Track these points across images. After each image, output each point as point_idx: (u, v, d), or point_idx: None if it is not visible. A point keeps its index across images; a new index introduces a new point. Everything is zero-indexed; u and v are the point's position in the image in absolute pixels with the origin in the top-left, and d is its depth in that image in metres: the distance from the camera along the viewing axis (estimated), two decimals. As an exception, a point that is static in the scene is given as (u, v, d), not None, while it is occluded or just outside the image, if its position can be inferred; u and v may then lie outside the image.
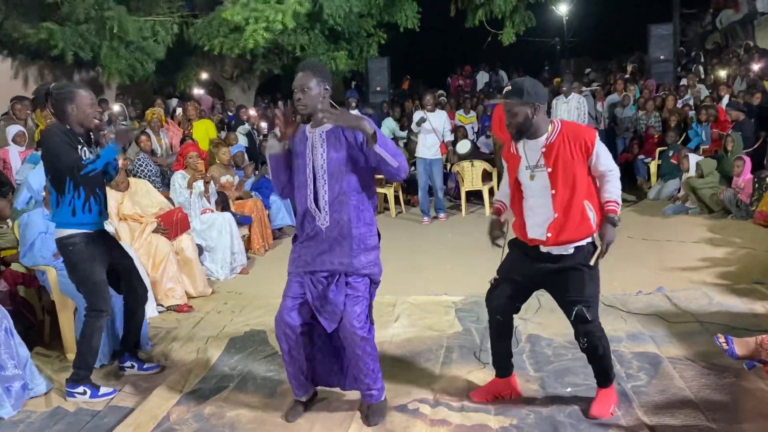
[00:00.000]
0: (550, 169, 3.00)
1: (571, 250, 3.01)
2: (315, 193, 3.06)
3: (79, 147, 3.52)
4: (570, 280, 3.03)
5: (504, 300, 3.23)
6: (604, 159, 2.99)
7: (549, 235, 3.01)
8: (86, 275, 3.59)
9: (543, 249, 3.06)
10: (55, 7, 8.98)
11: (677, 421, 3.03)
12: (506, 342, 3.33)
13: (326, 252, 3.06)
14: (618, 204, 2.99)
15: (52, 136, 3.45)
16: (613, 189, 3.00)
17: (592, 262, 2.99)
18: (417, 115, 8.43)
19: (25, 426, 3.37)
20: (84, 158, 3.46)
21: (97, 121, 3.61)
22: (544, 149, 3.02)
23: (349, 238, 3.04)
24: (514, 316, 3.30)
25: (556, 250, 3.03)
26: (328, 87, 3.06)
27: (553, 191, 3.01)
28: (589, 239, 3.02)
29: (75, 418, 3.44)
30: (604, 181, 3.02)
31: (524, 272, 3.17)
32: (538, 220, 3.06)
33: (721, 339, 3.17)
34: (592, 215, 2.99)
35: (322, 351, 3.29)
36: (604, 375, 3.16)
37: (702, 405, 3.14)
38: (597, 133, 3.06)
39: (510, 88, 3.10)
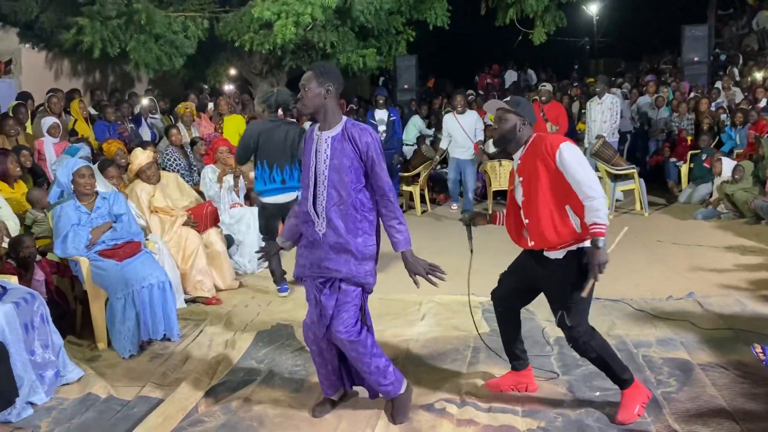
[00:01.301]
0: (521, 179, 3.11)
1: (561, 255, 3.03)
2: (315, 197, 3.06)
3: None
4: (555, 284, 3.08)
5: (505, 292, 3.40)
6: (577, 173, 2.88)
7: (532, 243, 3.10)
8: None
9: (545, 253, 3.10)
10: (87, 3, 9.11)
11: (709, 430, 2.98)
12: (512, 334, 3.43)
13: (323, 259, 3.07)
14: (599, 225, 2.84)
15: None
16: (593, 212, 2.85)
17: (584, 294, 2.95)
18: (446, 119, 8.39)
19: (58, 412, 3.44)
20: None
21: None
22: (519, 161, 3.14)
23: (345, 247, 3.03)
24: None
25: (551, 254, 3.07)
26: (331, 88, 2.99)
27: (523, 198, 3.11)
28: (582, 244, 2.98)
29: (105, 405, 3.49)
30: (584, 204, 2.89)
31: (526, 271, 3.27)
32: (519, 228, 3.21)
33: (758, 349, 3.10)
34: (576, 220, 2.96)
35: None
36: (612, 377, 3.13)
37: (735, 414, 3.08)
38: (566, 142, 2.97)
39: (508, 99, 3.29)
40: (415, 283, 3.13)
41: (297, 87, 3.17)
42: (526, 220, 3.10)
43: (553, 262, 3.08)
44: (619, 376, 3.11)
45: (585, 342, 3.05)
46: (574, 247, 3.00)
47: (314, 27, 9.78)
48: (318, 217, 3.05)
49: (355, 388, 3.42)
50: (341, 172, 2.98)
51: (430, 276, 3.14)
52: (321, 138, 3.04)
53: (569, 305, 3.01)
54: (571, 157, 2.91)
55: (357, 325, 3.08)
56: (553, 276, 3.08)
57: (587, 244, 2.95)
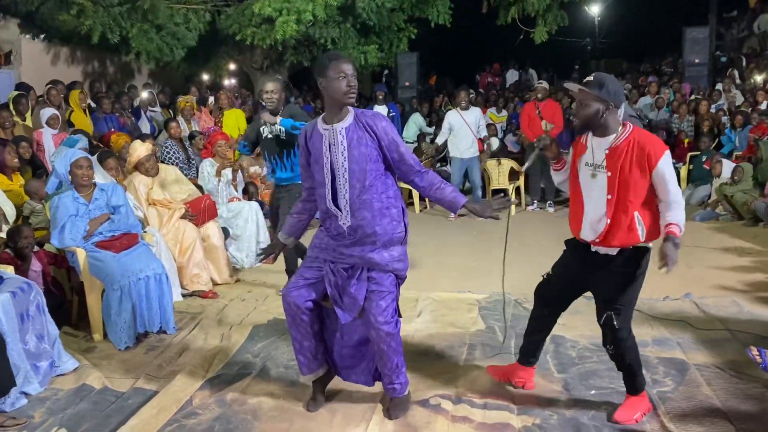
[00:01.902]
0: (609, 174, 2.93)
1: (615, 252, 2.97)
2: (334, 192, 2.97)
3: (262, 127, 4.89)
4: (606, 282, 3.00)
5: (554, 295, 3.27)
6: (670, 183, 2.86)
7: (598, 240, 2.99)
8: None
9: (592, 248, 3.05)
10: None
11: (703, 430, 2.98)
12: (542, 336, 3.39)
13: (350, 246, 3.02)
14: (680, 228, 2.85)
15: None
16: (676, 215, 2.86)
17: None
18: (450, 115, 8.37)
19: (52, 403, 3.43)
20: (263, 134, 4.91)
21: (269, 105, 4.82)
22: (608, 151, 2.94)
23: (373, 235, 2.97)
24: (527, 311, 3.31)
25: (602, 250, 3.01)
26: (320, 81, 2.93)
27: (609, 196, 2.94)
28: (642, 245, 2.94)
29: (100, 397, 3.49)
30: (666, 208, 2.89)
31: (574, 271, 3.16)
32: (592, 221, 3.01)
33: (754, 351, 3.10)
34: (641, 229, 2.89)
35: (346, 346, 3.27)
36: (630, 383, 3.11)
37: (730, 414, 3.08)
38: (668, 151, 2.90)
39: (591, 78, 2.96)
40: (494, 217, 3.15)
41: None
42: (608, 220, 2.93)
43: (603, 258, 3.00)
44: (635, 382, 3.09)
45: (627, 347, 3.00)
46: (629, 246, 2.94)
47: (316, 23, 9.77)
48: (341, 211, 2.98)
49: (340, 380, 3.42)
50: (361, 162, 2.91)
51: (501, 208, 3.10)
52: (333, 131, 2.94)
53: (619, 307, 2.95)
54: (669, 167, 2.88)
55: (395, 316, 3.04)
56: (603, 274, 3.01)
57: (645, 245, 2.94)
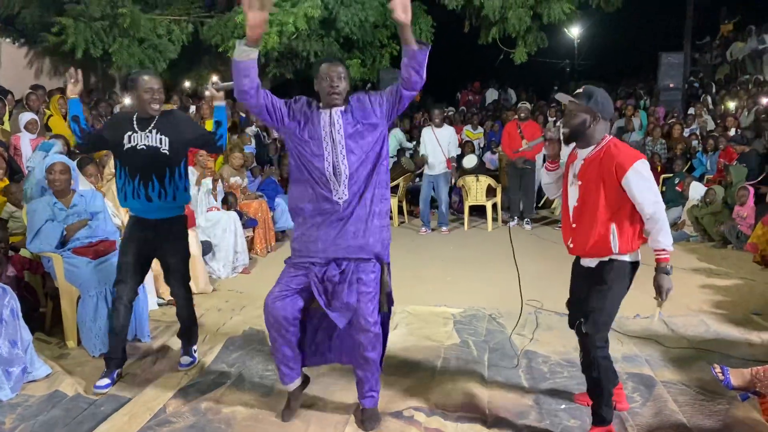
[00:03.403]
0: (580, 182, 3.01)
1: (594, 264, 3.03)
2: (333, 165, 3.04)
3: (128, 132, 3.59)
4: (583, 291, 3.09)
5: (574, 313, 3.28)
6: (638, 193, 2.84)
7: (571, 245, 3.09)
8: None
9: (581, 261, 3.13)
10: (70, 2, 9.08)
11: (669, 444, 3.06)
12: None
13: (341, 234, 3.04)
14: (667, 252, 2.88)
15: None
16: (660, 237, 2.87)
17: (656, 319, 2.98)
18: (424, 132, 8.51)
19: (23, 409, 3.40)
20: (127, 142, 3.58)
21: (155, 105, 3.60)
22: (583, 162, 3.01)
23: (367, 214, 3.07)
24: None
25: (585, 262, 3.09)
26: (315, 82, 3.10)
27: (576, 204, 3.04)
28: (619, 257, 2.96)
29: (72, 404, 3.47)
30: (648, 227, 2.89)
31: (573, 285, 3.26)
32: (566, 227, 3.14)
33: (717, 369, 3.19)
34: (615, 241, 2.92)
35: (320, 330, 3.31)
36: (597, 409, 3.07)
37: (694, 430, 3.17)
38: (641, 161, 2.86)
39: (581, 90, 3.03)
40: None
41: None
42: (574, 225, 3.05)
43: (585, 269, 3.09)
44: (602, 411, 3.04)
45: (596, 357, 2.98)
46: (606, 258, 2.99)
47: (299, 36, 9.85)
48: (339, 184, 3.04)
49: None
50: (357, 137, 3.05)
51: None
52: (329, 113, 3.06)
53: (588, 312, 2.99)
54: (638, 178, 2.84)
55: (379, 314, 3.13)
56: (584, 285, 3.09)
57: (622, 257, 2.96)
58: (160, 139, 3.60)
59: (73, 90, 3.74)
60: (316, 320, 3.30)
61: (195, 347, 4.09)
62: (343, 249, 3.06)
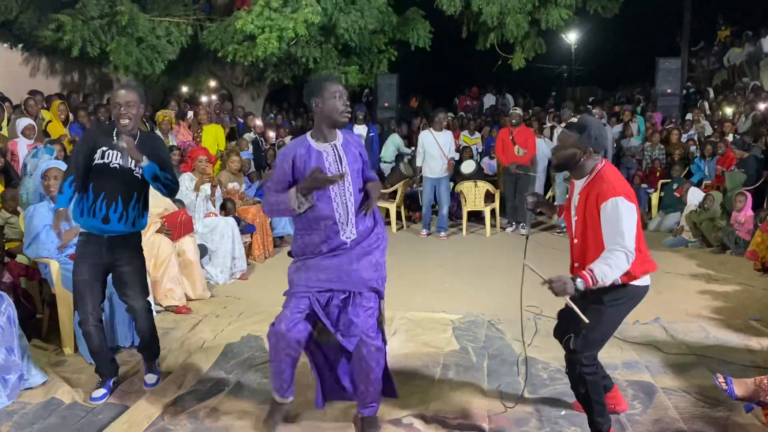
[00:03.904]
0: (576, 218, 2.97)
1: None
2: (342, 206, 3.01)
3: (104, 147, 3.41)
4: (579, 307, 3.01)
5: (563, 334, 3.19)
6: (605, 225, 2.77)
7: (576, 264, 3.05)
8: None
9: None
10: (70, 3, 9.07)
11: (670, 452, 3.04)
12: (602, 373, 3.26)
13: (352, 267, 3.01)
14: (593, 275, 2.71)
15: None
16: (601, 263, 2.73)
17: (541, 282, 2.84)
18: (423, 135, 8.54)
19: (20, 417, 3.37)
20: (99, 157, 3.41)
21: (123, 122, 3.40)
22: (578, 196, 2.97)
23: (376, 249, 3.08)
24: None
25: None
26: (314, 102, 3.01)
27: (576, 240, 3.00)
28: (630, 282, 2.91)
29: (69, 411, 3.44)
30: (603, 254, 2.77)
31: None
32: (571, 261, 3.11)
33: (721, 379, 3.17)
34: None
35: (330, 365, 3.28)
36: (591, 422, 3.02)
37: (695, 437, 3.16)
38: (622, 199, 2.77)
39: (576, 121, 3.01)
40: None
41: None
42: (576, 264, 3.00)
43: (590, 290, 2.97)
44: (597, 423, 3.00)
45: (582, 374, 2.94)
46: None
47: (298, 42, 9.86)
48: (347, 224, 3.02)
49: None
50: (356, 176, 3.06)
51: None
52: (335, 148, 3.03)
53: (577, 329, 2.93)
54: (614, 213, 2.76)
55: (379, 332, 3.10)
56: (582, 298, 2.97)
57: (623, 280, 2.88)
58: (136, 162, 3.44)
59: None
60: (332, 356, 3.26)
61: (158, 361, 3.87)
62: (347, 282, 3.02)
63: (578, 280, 2.73)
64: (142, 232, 4.93)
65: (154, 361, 3.84)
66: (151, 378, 3.78)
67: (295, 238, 3.18)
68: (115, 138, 3.43)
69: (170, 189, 3.53)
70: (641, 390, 3.70)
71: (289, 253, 3.22)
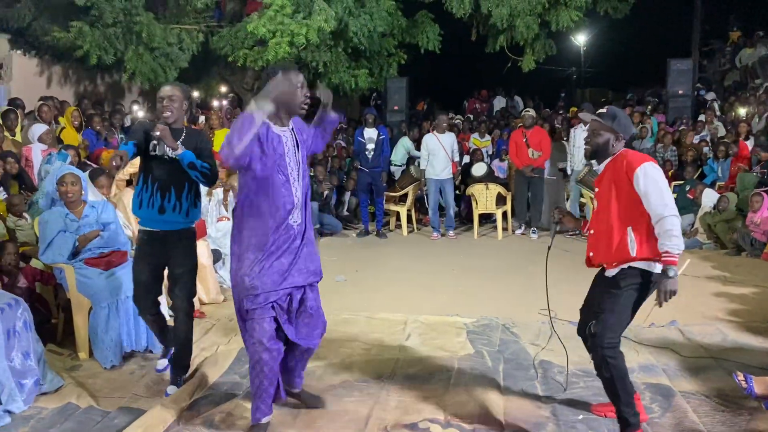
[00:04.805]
0: (596, 189, 3.15)
1: (614, 273, 3.05)
2: (298, 189, 3.10)
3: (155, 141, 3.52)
4: (597, 296, 3.13)
5: (583, 327, 3.26)
6: (651, 195, 2.89)
7: (591, 253, 3.13)
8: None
9: (605, 272, 3.13)
10: (83, 10, 9.14)
11: (690, 456, 3.00)
12: None
13: (300, 259, 3.07)
14: (671, 255, 2.85)
15: None
16: (666, 240, 2.86)
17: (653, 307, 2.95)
18: (427, 138, 8.55)
19: (36, 422, 3.38)
20: (152, 149, 3.54)
21: (165, 115, 3.56)
22: (601, 171, 3.17)
23: (311, 236, 3.20)
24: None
25: (608, 273, 3.09)
26: None
27: (593, 209, 3.13)
28: (637, 264, 2.97)
29: (85, 416, 3.44)
30: (656, 230, 2.91)
31: (590, 296, 3.27)
32: (589, 237, 3.23)
33: (740, 377, 3.15)
34: (633, 245, 2.96)
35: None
36: (619, 413, 3.03)
37: (716, 441, 3.12)
38: (650, 163, 2.96)
39: (605, 110, 3.20)
40: None
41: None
42: (591, 231, 3.17)
43: (605, 279, 3.11)
44: (624, 413, 3.01)
45: (604, 356, 2.98)
46: (626, 266, 3.00)
47: (308, 47, 9.87)
48: (297, 209, 3.09)
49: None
50: (305, 161, 3.16)
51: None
52: (292, 133, 3.12)
53: (597, 312, 3.04)
54: (647, 179, 2.91)
55: None
56: (599, 290, 3.14)
57: (640, 265, 2.97)
58: (172, 150, 3.53)
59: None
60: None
61: (184, 377, 3.83)
62: (301, 275, 3.09)
63: (669, 269, 2.83)
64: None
65: (182, 376, 3.83)
66: (172, 389, 3.76)
67: (240, 226, 3.06)
68: (156, 129, 3.53)
69: (208, 177, 3.58)
70: (659, 393, 3.66)
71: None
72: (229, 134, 2.81)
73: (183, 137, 3.56)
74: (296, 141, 3.13)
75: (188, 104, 3.67)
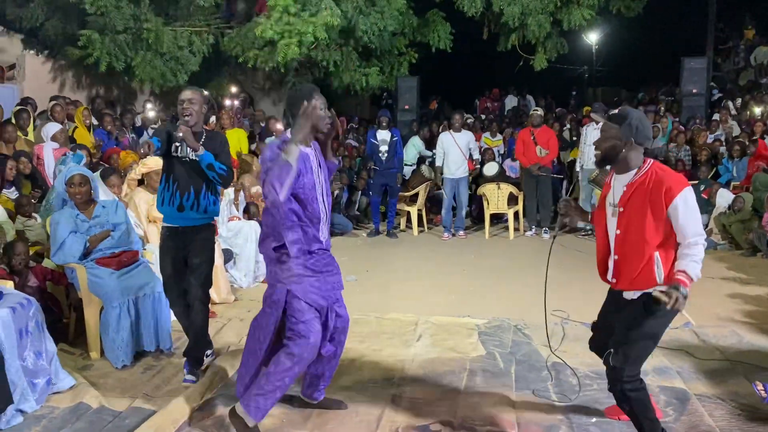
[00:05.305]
0: (621, 209, 2.89)
1: (636, 296, 2.88)
2: (325, 205, 3.19)
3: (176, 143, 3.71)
4: (617, 320, 2.95)
5: (600, 346, 3.14)
6: (683, 219, 2.72)
7: (614, 280, 2.96)
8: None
9: (624, 294, 2.95)
10: (94, 16, 9.19)
11: (707, 461, 2.96)
12: None
13: (334, 274, 3.23)
14: (688, 277, 2.68)
15: None
16: (690, 262, 2.70)
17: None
18: (443, 136, 8.52)
19: (48, 421, 3.39)
20: (174, 150, 3.74)
21: (185, 118, 3.72)
22: (625, 188, 2.89)
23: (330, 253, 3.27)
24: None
25: (627, 295, 2.93)
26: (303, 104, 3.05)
27: (618, 231, 2.90)
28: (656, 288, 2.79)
29: (96, 416, 3.45)
30: (682, 251, 2.75)
31: (609, 318, 3.07)
32: (604, 259, 3.02)
33: (760, 386, 3.09)
34: (659, 271, 2.79)
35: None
36: None
37: (733, 446, 3.07)
38: (689, 189, 2.77)
39: (617, 112, 2.95)
40: None
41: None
42: (615, 256, 2.93)
43: (627, 302, 2.93)
44: None
45: (624, 390, 2.84)
46: (649, 290, 2.81)
47: (318, 46, 9.87)
48: (324, 224, 3.20)
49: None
50: (327, 180, 3.26)
51: None
52: (312, 153, 3.14)
53: (618, 344, 2.85)
54: (686, 205, 2.73)
55: None
56: (622, 316, 2.93)
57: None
58: (193, 150, 3.75)
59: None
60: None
61: (200, 370, 3.96)
62: (337, 289, 3.26)
63: (681, 287, 2.65)
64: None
65: (198, 367, 3.96)
66: (190, 378, 3.92)
67: (294, 230, 3.07)
68: (179, 130, 3.71)
69: (224, 179, 3.85)
70: (674, 396, 3.61)
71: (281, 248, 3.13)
72: (270, 179, 2.87)
73: (203, 140, 3.78)
74: (319, 161, 3.18)
75: (207, 108, 3.89)
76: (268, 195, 2.89)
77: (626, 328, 2.85)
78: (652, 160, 2.90)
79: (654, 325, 2.85)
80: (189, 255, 3.86)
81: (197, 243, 3.87)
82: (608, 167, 3.00)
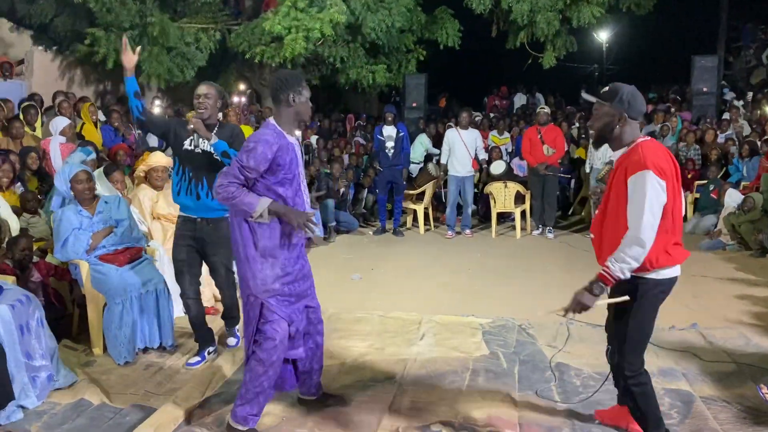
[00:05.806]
0: (604, 186, 2.91)
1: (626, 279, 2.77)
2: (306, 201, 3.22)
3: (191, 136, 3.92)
4: (615, 314, 2.93)
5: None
6: (629, 204, 2.61)
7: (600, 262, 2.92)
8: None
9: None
10: (101, 13, 9.22)
11: (711, 465, 2.91)
12: None
13: (305, 265, 3.25)
14: (610, 274, 2.62)
15: None
16: (617, 254, 2.61)
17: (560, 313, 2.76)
18: (449, 133, 8.48)
19: (49, 417, 3.39)
20: (188, 144, 3.94)
21: (200, 111, 3.88)
22: (615, 166, 2.82)
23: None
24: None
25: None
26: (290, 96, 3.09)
27: (596, 211, 2.89)
28: (644, 275, 2.72)
29: (97, 413, 3.45)
30: (622, 242, 2.64)
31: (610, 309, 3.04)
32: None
33: (764, 390, 3.04)
34: None
35: None
36: None
37: (737, 450, 3.02)
38: (646, 171, 2.59)
39: (607, 89, 2.84)
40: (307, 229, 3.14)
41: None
42: (591, 235, 2.93)
43: (615, 289, 2.82)
44: None
45: (626, 386, 2.83)
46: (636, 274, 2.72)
47: (325, 42, 9.86)
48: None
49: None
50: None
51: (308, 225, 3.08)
52: (298, 142, 3.18)
53: (613, 338, 2.85)
54: (633, 190, 2.61)
55: None
56: (616, 307, 2.89)
57: (647, 276, 2.72)
58: (206, 139, 3.91)
59: (130, 64, 4.11)
60: None
61: (237, 327, 4.37)
62: (310, 284, 3.28)
63: (596, 284, 2.65)
64: (169, 233, 4.98)
65: (234, 327, 4.42)
66: (231, 341, 4.41)
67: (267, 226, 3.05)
68: (190, 123, 3.94)
69: None
70: (679, 399, 3.57)
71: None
72: (229, 184, 2.92)
73: (216, 130, 3.91)
74: (301, 151, 3.21)
75: (222, 102, 4.02)
76: (221, 192, 2.92)
77: (615, 322, 2.88)
78: (644, 137, 2.78)
79: (641, 317, 2.78)
80: (207, 253, 4.08)
81: (215, 241, 4.03)
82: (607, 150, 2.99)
